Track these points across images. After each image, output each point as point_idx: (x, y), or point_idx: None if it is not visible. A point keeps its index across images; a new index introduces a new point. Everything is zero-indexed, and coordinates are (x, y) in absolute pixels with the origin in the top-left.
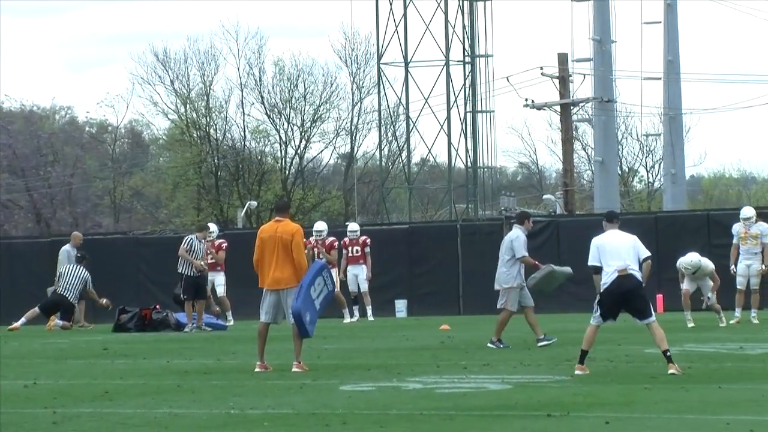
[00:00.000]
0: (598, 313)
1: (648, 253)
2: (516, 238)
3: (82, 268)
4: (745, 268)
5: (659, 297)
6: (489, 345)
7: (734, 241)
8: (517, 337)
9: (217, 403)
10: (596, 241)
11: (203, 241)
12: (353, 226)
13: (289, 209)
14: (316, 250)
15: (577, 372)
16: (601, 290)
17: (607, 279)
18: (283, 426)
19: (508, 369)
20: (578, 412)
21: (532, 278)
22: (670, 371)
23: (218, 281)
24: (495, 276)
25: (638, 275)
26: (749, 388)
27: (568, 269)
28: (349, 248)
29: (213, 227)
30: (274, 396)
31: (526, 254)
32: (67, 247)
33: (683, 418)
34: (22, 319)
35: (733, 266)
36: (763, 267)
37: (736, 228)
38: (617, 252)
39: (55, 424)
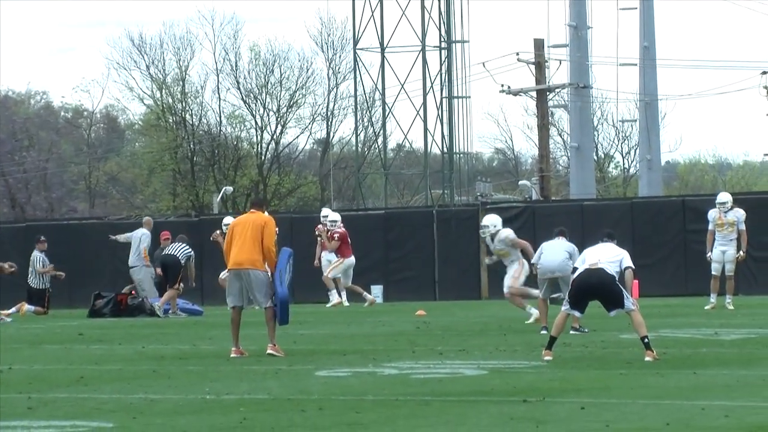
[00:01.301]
0: (568, 303)
1: (631, 265)
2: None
3: (36, 252)
4: (720, 254)
5: (635, 283)
6: (572, 332)
7: (710, 227)
8: (492, 323)
9: (193, 389)
10: (586, 250)
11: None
12: (327, 212)
13: (265, 205)
14: (322, 236)
15: (544, 357)
16: (571, 281)
17: (577, 272)
18: (259, 411)
19: (484, 355)
20: (554, 398)
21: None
22: (647, 358)
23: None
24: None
25: (609, 270)
26: (724, 374)
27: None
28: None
29: (230, 220)
30: (250, 381)
31: None
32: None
33: (659, 404)
34: (12, 309)
35: (709, 252)
36: (741, 254)
37: (712, 214)
38: (596, 254)
39: (30, 409)
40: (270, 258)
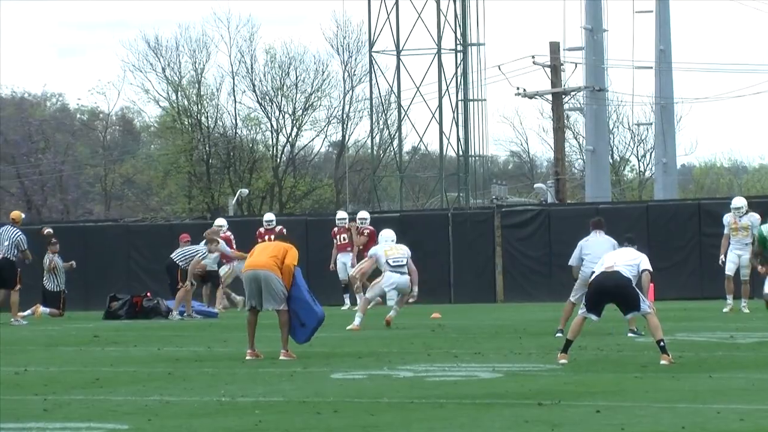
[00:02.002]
0: (584, 306)
1: (648, 267)
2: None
3: (48, 253)
4: (736, 257)
5: (651, 286)
6: (629, 335)
7: (725, 231)
8: (507, 326)
9: (209, 391)
10: (604, 256)
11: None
12: (341, 215)
13: (287, 240)
14: (350, 233)
15: (560, 361)
16: (588, 284)
17: (594, 276)
18: (275, 414)
19: (499, 358)
20: (569, 401)
21: None
22: (662, 362)
23: (223, 270)
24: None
25: (626, 273)
26: (740, 377)
27: None
28: (338, 236)
29: (223, 221)
30: (265, 384)
31: None
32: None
33: (674, 407)
34: (28, 311)
35: (722, 256)
36: (760, 268)
37: (727, 218)
38: (613, 258)
39: (46, 411)
40: (288, 276)
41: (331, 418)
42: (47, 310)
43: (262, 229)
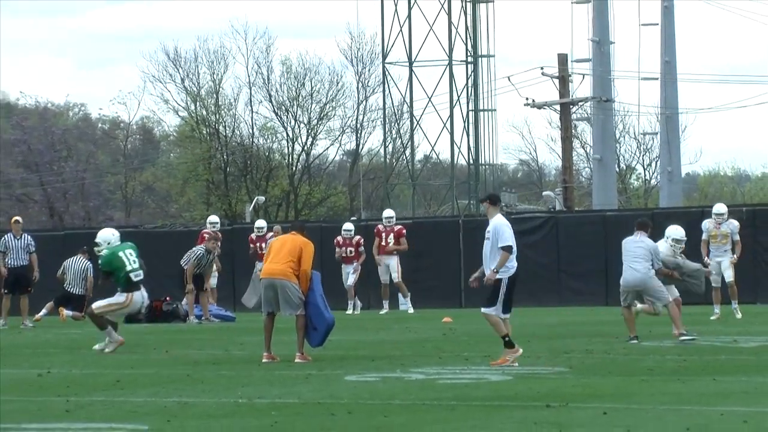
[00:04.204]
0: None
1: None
2: (657, 249)
3: (84, 260)
4: (717, 265)
5: None
6: (682, 339)
7: (704, 237)
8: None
9: (226, 393)
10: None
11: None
12: (348, 226)
13: (305, 230)
14: (383, 236)
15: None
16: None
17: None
18: (290, 415)
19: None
20: (577, 403)
21: (695, 285)
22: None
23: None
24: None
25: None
26: (743, 380)
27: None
28: (344, 248)
29: (215, 219)
30: (281, 386)
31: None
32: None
33: (679, 409)
34: (43, 311)
35: (706, 258)
36: (734, 257)
37: (707, 225)
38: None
39: (68, 412)
40: (305, 280)
41: (345, 420)
42: (70, 312)
43: (253, 236)
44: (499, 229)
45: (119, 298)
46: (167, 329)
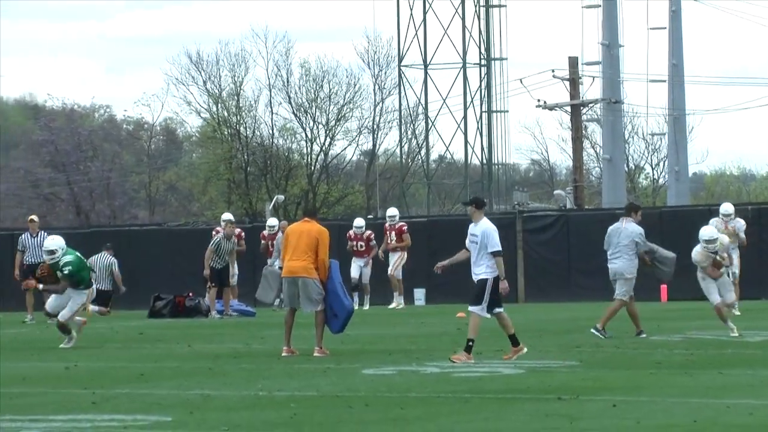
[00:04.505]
0: None
1: (642, 246)
2: (635, 231)
3: (109, 256)
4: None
5: (663, 288)
6: (592, 331)
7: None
8: (529, 325)
9: (247, 386)
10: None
11: (232, 236)
12: (359, 222)
13: (317, 214)
14: (388, 234)
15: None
16: None
17: None
18: (309, 407)
19: (521, 354)
20: (587, 396)
21: (664, 273)
22: None
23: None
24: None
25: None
26: (748, 374)
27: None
28: (355, 243)
29: (228, 216)
30: (300, 379)
31: (651, 246)
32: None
33: (686, 402)
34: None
35: None
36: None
37: (714, 223)
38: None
39: (94, 404)
40: (323, 270)
41: (363, 412)
42: (96, 308)
43: (265, 233)
44: (489, 234)
45: (80, 298)
46: (190, 324)
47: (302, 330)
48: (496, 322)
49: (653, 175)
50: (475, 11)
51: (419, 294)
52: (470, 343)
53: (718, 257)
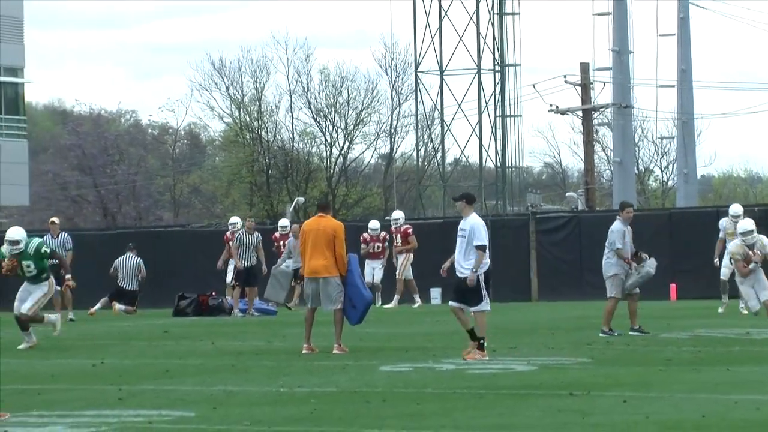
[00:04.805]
0: None
1: (614, 246)
2: (611, 230)
3: (134, 256)
4: (730, 261)
5: (673, 287)
6: (601, 335)
7: (720, 235)
8: (542, 323)
9: (268, 382)
10: None
11: (252, 233)
12: (374, 224)
13: (330, 208)
14: (395, 237)
15: None
16: None
17: None
18: (329, 403)
19: (534, 352)
20: (598, 392)
21: (632, 283)
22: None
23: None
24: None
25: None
26: (755, 370)
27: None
28: (371, 244)
29: (236, 219)
30: (320, 375)
31: (619, 247)
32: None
33: (695, 397)
34: (98, 305)
35: (716, 259)
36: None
37: (723, 223)
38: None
39: (120, 399)
40: (342, 264)
41: (380, 407)
42: (122, 307)
43: (277, 234)
44: (476, 228)
45: (42, 288)
46: (213, 322)
47: (322, 328)
48: (508, 319)
49: (662, 177)
50: (490, 19)
51: (435, 293)
52: (482, 342)
53: (752, 252)
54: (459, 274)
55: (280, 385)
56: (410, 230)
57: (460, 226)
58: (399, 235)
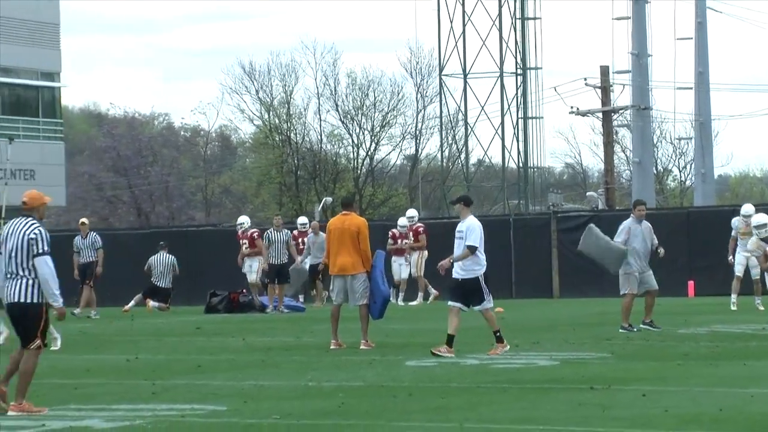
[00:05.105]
0: None
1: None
2: (620, 229)
3: (167, 255)
4: (744, 259)
5: (690, 283)
6: (620, 331)
7: (732, 234)
8: (563, 319)
9: (297, 377)
10: None
11: (281, 230)
12: (403, 221)
13: (354, 204)
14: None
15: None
16: None
17: None
18: (356, 397)
19: (555, 347)
20: (618, 386)
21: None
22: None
23: (254, 267)
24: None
25: None
26: None
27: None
28: (398, 240)
29: (244, 219)
30: (347, 370)
31: (618, 241)
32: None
33: (712, 391)
34: (132, 302)
35: (731, 256)
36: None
37: (736, 222)
38: None
39: (154, 394)
40: (367, 260)
41: (406, 401)
42: (156, 304)
43: (296, 232)
44: (472, 229)
45: None
46: (244, 319)
47: (349, 324)
48: (530, 316)
49: (680, 177)
50: (512, 23)
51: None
52: (498, 334)
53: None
54: (456, 275)
55: (308, 379)
56: (421, 229)
57: (458, 228)
58: (411, 233)
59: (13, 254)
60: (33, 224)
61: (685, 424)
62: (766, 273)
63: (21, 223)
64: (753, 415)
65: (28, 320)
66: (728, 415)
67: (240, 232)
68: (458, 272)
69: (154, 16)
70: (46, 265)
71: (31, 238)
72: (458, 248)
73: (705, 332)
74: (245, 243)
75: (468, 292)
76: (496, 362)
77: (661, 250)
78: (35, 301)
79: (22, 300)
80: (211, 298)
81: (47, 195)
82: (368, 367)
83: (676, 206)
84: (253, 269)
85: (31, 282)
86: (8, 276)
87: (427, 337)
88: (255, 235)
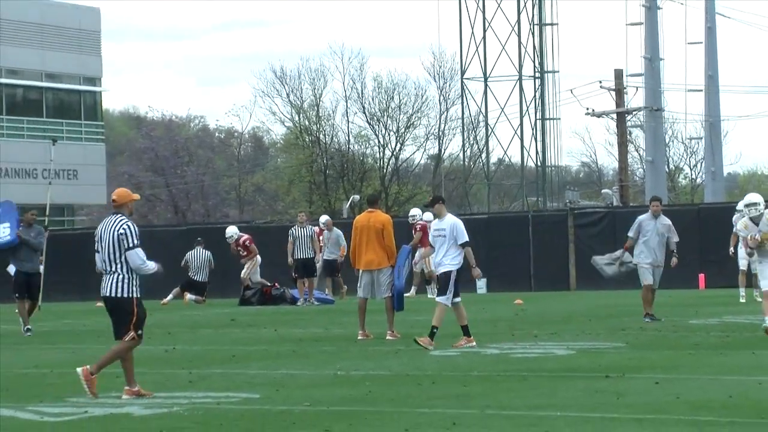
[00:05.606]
0: None
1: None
2: (635, 222)
3: (204, 250)
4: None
5: (701, 276)
6: (645, 320)
7: (734, 230)
8: (580, 311)
9: (326, 366)
10: None
11: (305, 226)
12: (428, 216)
13: (379, 202)
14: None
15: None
16: None
17: None
18: (382, 385)
19: (572, 337)
20: (632, 374)
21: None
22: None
23: (247, 266)
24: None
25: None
26: None
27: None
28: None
29: (231, 231)
30: (374, 360)
31: (630, 235)
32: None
33: (722, 379)
34: (170, 296)
35: (732, 248)
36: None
37: (736, 219)
38: None
39: (191, 382)
40: (392, 254)
41: (430, 389)
42: (193, 297)
43: (317, 228)
44: (457, 227)
45: None
46: (276, 311)
47: (375, 316)
48: (548, 308)
49: (691, 175)
50: (530, 29)
51: (481, 283)
52: (434, 330)
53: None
54: (436, 269)
55: (337, 368)
56: (418, 227)
57: (435, 226)
58: (414, 230)
59: (107, 250)
60: (122, 220)
61: (696, 411)
62: (748, 256)
63: (112, 221)
64: (761, 402)
65: (121, 313)
66: (737, 401)
67: (233, 243)
68: (440, 266)
69: (189, 25)
70: (136, 256)
71: (121, 234)
72: (440, 245)
73: (715, 323)
74: (240, 250)
75: (443, 283)
76: (515, 352)
77: (674, 260)
78: (126, 295)
79: (115, 294)
80: (245, 291)
81: (90, 194)
82: (394, 357)
83: (688, 203)
84: (246, 268)
85: (122, 277)
86: (105, 271)
87: (450, 328)
88: (248, 242)
